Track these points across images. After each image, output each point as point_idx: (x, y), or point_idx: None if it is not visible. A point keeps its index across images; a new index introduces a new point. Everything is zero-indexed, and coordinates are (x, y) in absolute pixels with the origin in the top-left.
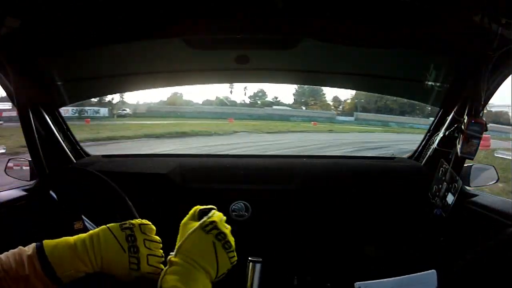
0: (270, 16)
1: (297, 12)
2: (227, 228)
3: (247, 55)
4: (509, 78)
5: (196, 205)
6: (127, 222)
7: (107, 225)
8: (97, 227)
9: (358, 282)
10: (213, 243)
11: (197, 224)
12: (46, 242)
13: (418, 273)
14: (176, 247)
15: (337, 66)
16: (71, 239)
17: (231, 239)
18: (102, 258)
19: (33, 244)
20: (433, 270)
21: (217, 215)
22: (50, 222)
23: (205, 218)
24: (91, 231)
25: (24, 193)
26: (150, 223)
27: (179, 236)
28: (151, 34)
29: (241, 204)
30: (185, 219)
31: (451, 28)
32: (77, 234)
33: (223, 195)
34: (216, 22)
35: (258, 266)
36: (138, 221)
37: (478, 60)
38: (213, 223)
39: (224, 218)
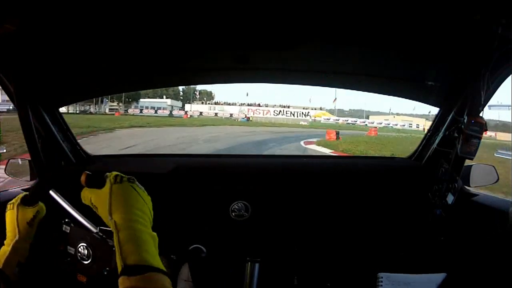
0: (270, 16)
1: (297, 12)
2: None
3: (247, 55)
4: (509, 78)
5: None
6: None
7: None
8: (93, 226)
9: (381, 273)
10: (132, 188)
11: (106, 183)
12: None
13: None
14: (107, 208)
15: (337, 66)
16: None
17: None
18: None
19: None
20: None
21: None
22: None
23: (107, 174)
24: None
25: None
26: None
27: (93, 197)
28: (150, 34)
29: (241, 204)
30: (86, 191)
31: (451, 28)
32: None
33: (223, 195)
34: (215, 22)
35: (256, 265)
36: None
37: (478, 60)
38: (118, 174)
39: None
